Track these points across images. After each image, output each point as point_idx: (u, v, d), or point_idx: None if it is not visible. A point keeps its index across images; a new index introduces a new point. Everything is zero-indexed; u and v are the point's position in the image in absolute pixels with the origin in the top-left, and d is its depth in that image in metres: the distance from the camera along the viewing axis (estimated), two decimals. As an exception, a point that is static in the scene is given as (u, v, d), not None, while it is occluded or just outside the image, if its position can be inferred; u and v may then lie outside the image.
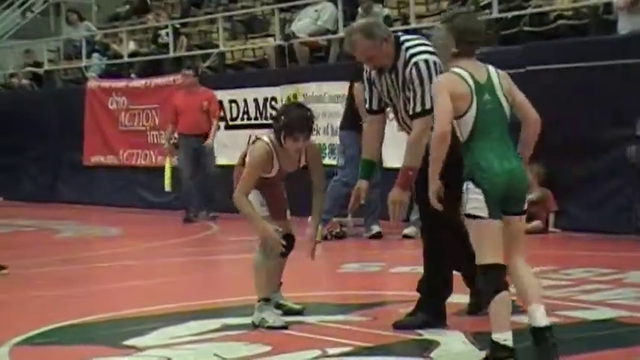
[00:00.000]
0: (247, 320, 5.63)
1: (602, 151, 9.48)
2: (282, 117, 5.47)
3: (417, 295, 5.48)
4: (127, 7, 18.88)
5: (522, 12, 10.92)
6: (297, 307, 5.88)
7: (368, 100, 5.56)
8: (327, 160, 11.38)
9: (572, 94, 9.68)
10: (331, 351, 4.90)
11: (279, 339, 5.22)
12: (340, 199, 9.47)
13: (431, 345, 4.92)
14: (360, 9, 12.36)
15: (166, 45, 15.04)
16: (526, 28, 10.84)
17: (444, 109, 4.43)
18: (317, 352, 4.88)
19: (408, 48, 5.35)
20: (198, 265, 8.96)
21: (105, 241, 10.88)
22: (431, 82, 5.08)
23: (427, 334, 5.09)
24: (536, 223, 9.82)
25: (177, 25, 15.54)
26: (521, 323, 5.46)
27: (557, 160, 9.81)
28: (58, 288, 7.53)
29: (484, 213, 4.39)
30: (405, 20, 12.21)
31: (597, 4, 10.34)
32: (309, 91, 12.15)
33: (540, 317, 4.40)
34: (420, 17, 12.16)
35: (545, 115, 10.38)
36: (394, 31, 5.46)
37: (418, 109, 5.26)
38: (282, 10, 13.91)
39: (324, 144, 11.71)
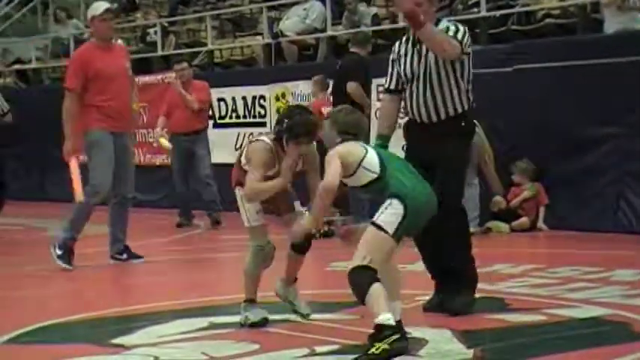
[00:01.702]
0: (235, 319, 5.63)
1: (589, 149, 9.53)
2: (287, 120, 5.37)
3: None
4: (116, 5, 18.85)
5: (510, 11, 10.95)
6: (305, 311, 5.67)
7: (388, 80, 6.00)
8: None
9: (560, 92, 9.72)
10: (319, 349, 4.91)
11: (267, 337, 5.23)
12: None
13: (419, 343, 4.92)
14: (346, 9, 12.39)
15: (155, 43, 15.02)
16: (514, 27, 10.88)
17: (335, 171, 4.80)
18: (305, 351, 4.89)
19: (440, 20, 5.90)
20: (186, 263, 8.95)
21: (93, 239, 10.84)
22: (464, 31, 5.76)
23: (415, 332, 5.10)
24: (522, 221, 9.86)
25: (166, 24, 15.53)
26: (509, 321, 5.50)
27: (544, 158, 9.86)
28: (45, 286, 7.52)
29: (390, 230, 4.72)
30: (393, 19, 12.22)
31: (585, 3, 10.38)
32: (297, 89, 12.17)
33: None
34: (408, 16, 12.16)
35: (532, 112, 10.53)
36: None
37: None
38: (270, 8, 13.91)
39: (312, 142, 11.71)
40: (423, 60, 5.84)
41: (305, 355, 4.82)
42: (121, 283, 7.56)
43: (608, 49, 9.45)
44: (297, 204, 5.63)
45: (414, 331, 5.07)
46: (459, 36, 5.73)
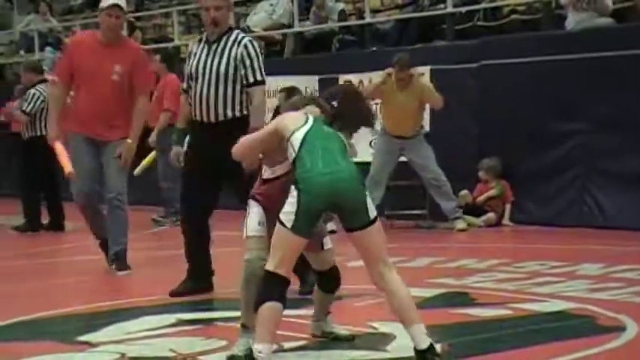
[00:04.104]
0: (202, 315, 5.63)
1: (554, 145, 9.60)
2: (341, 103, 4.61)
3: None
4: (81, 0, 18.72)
5: (476, 7, 11.00)
6: (345, 333, 5.05)
7: (187, 79, 6.35)
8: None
9: (526, 88, 9.78)
10: (287, 345, 4.91)
11: (235, 334, 5.21)
12: None
13: (386, 338, 4.95)
14: (313, 4, 12.39)
15: (121, 39, 14.91)
16: (480, 23, 10.93)
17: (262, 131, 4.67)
18: (273, 347, 4.88)
19: (233, 29, 6.32)
20: (152, 260, 8.91)
21: (58, 235, 10.79)
22: (258, 59, 6.26)
23: (382, 328, 5.12)
24: (489, 216, 9.91)
25: (132, 19, 15.43)
26: (475, 316, 5.53)
27: (510, 153, 9.92)
28: (10, 283, 7.46)
29: (289, 223, 4.24)
30: (360, 15, 12.24)
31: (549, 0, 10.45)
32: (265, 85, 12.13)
33: (420, 340, 4.23)
34: (375, 12, 12.19)
35: (498, 108, 10.59)
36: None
37: (259, 77, 6.26)
38: (237, 3, 13.87)
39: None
40: (211, 59, 6.20)
41: (273, 352, 4.82)
42: (88, 280, 7.51)
43: (573, 44, 9.52)
44: (326, 240, 4.87)
45: (380, 326, 5.10)
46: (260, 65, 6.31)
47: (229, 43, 6.26)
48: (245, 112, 6.28)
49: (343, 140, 4.48)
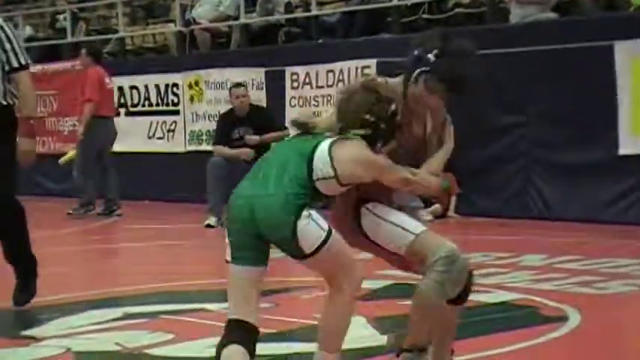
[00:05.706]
0: (149, 309, 5.59)
1: (497, 137, 9.70)
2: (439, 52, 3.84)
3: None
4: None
5: (421, 0, 11.06)
6: None
7: None
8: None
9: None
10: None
11: (182, 327, 5.20)
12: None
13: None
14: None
15: (64, 30, 14.75)
16: (425, 16, 10.99)
17: None
18: (219, 340, 4.87)
19: None
20: (97, 253, 8.85)
21: None
22: (17, 42, 5.68)
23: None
24: (435, 207, 9.99)
25: (76, 10, 15.25)
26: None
27: (455, 146, 9.97)
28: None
29: (228, 256, 3.65)
30: (306, 7, 12.23)
31: (493, -7, 10.55)
32: (210, 77, 12.11)
33: None
34: (321, 4, 12.20)
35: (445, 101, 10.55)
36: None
37: (23, 61, 5.69)
38: (183, -5, 13.79)
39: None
40: None
41: (220, 344, 4.81)
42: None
43: (516, 38, 9.62)
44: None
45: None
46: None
47: None
48: (9, 102, 5.69)
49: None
